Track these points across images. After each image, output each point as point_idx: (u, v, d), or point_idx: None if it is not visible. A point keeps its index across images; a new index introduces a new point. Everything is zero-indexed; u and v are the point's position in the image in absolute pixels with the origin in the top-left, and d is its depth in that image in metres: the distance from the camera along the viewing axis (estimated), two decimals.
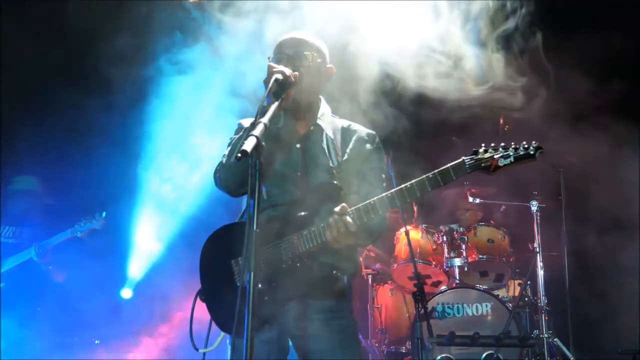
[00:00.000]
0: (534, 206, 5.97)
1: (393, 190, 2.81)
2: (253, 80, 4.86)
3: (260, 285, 2.84)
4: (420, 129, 5.27)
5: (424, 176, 2.76)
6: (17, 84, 6.17)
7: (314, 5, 4.04)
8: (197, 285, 3.11)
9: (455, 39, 4.20)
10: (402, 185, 2.79)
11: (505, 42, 4.40)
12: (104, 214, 5.91)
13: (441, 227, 6.61)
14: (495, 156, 2.73)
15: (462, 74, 4.32)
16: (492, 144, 2.76)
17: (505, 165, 2.73)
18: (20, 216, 6.17)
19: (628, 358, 5.61)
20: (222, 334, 2.99)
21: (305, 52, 3.01)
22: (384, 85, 4.17)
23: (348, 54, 3.89)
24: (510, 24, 4.34)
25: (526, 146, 2.73)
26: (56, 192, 6.41)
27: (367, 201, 2.81)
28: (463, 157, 2.75)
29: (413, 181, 2.78)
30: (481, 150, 2.75)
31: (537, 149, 2.72)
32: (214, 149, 5.54)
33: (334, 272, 2.96)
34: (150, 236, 6.76)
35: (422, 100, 4.49)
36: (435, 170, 2.75)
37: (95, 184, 6.44)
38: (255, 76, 4.87)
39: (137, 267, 6.80)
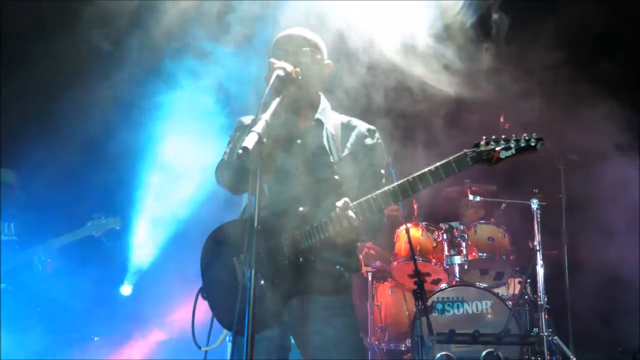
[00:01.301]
0: (534, 204, 5.96)
1: (395, 184, 2.80)
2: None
3: (262, 282, 2.84)
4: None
5: (426, 169, 2.75)
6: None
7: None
8: (197, 283, 3.09)
9: (430, 28, 4.21)
10: (404, 179, 2.78)
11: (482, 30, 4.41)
12: (117, 216, 6.01)
13: (441, 225, 6.60)
14: (497, 148, 2.73)
15: (443, 64, 4.32)
16: (493, 137, 2.76)
17: (507, 157, 2.73)
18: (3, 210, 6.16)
19: (628, 357, 5.62)
20: (225, 331, 2.98)
21: (304, 48, 3.01)
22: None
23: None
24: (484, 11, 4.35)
25: (527, 138, 2.73)
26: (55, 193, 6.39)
27: (369, 195, 2.81)
28: (465, 150, 2.75)
29: (415, 174, 2.77)
30: (482, 142, 2.75)
31: (537, 140, 2.72)
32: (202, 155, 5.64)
33: (337, 267, 2.96)
34: (149, 233, 6.76)
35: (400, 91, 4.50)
36: (438, 163, 2.74)
37: (93, 189, 6.43)
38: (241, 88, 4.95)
39: (137, 263, 6.80)
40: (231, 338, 2.87)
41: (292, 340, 3.00)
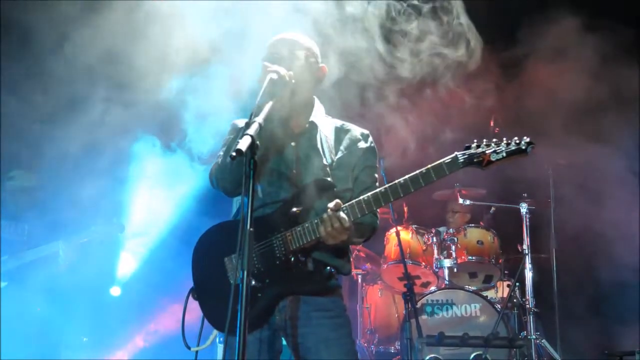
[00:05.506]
0: (524, 208, 6.01)
1: (386, 185, 2.82)
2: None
3: (253, 282, 2.85)
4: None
5: (417, 172, 2.78)
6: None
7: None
8: (187, 283, 3.10)
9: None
10: (396, 181, 2.80)
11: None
12: (123, 221, 6.01)
13: (432, 229, 6.64)
14: (487, 151, 2.76)
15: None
16: (485, 140, 2.79)
17: (497, 160, 2.76)
18: (20, 212, 6.13)
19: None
20: (215, 332, 2.99)
21: (298, 52, 3.02)
22: None
23: None
24: None
25: (517, 141, 2.76)
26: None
27: (361, 197, 2.83)
28: (456, 152, 2.78)
29: (406, 177, 2.79)
30: (473, 145, 2.79)
31: (528, 144, 2.76)
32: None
33: (328, 269, 2.97)
34: (140, 233, 6.76)
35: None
36: (429, 166, 2.77)
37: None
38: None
39: (126, 265, 6.79)
40: (221, 339, 2.87)
41: (284, 342, 3.01)
